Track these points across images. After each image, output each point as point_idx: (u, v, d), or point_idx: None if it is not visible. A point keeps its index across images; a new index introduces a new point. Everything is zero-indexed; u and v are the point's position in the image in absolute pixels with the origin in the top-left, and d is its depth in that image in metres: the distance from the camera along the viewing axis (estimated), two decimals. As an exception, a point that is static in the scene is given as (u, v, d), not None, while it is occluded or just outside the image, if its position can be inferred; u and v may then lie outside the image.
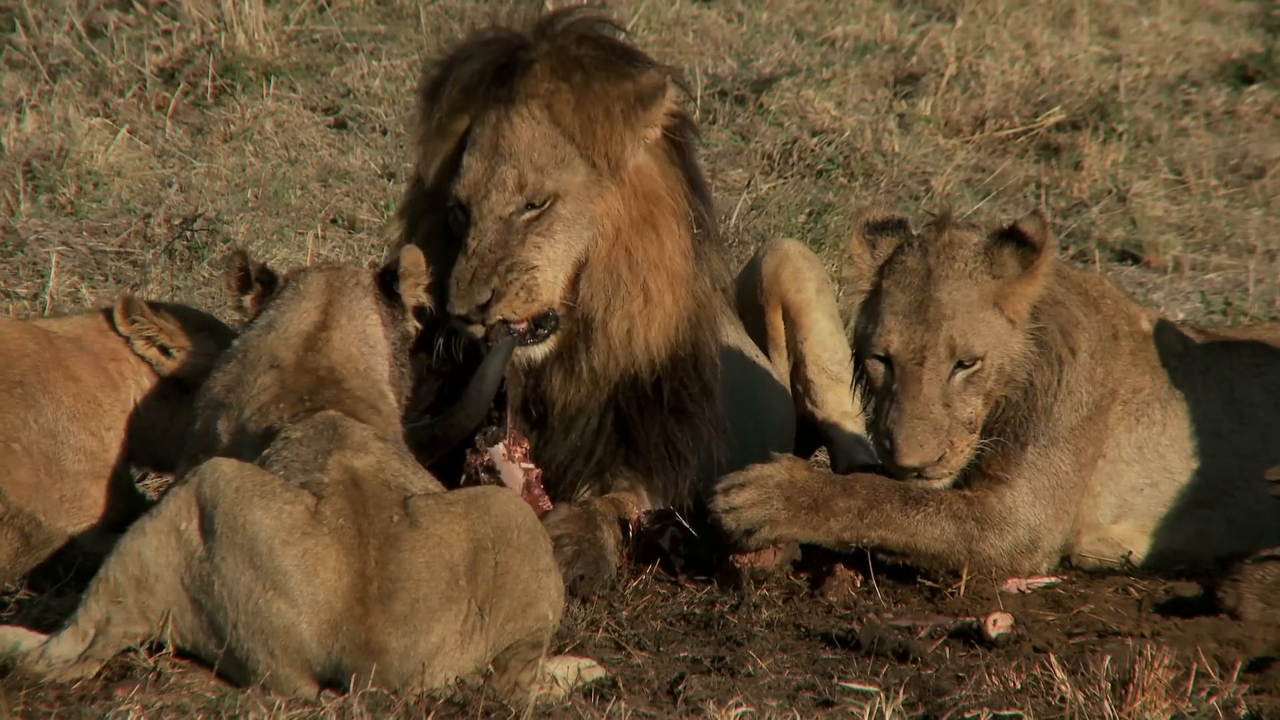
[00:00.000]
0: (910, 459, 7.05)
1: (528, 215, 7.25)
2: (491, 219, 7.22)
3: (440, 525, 6.00)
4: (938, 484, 7.15)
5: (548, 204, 7.26)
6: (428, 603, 5.93)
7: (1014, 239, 7.16)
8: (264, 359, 6.54)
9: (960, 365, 7.11)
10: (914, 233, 7.30)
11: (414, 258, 6.86)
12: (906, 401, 7.06)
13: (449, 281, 7.16)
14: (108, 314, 7.08)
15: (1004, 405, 7.20)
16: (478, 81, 7.32)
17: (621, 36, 7.54)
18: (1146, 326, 7.48)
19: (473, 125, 7.33)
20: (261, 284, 6.79)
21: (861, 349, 7.25)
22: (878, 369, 7.16)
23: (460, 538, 5.99)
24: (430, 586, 5.94)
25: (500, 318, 7.20)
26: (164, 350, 7.07)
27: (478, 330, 7.21)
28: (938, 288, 7.11)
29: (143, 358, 7.06)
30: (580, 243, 7.29)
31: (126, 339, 7.06)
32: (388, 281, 6.83)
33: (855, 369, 7.36)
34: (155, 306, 7.09)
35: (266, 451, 6.20)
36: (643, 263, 7.35)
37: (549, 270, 7.26)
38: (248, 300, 6.79)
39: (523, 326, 7.26)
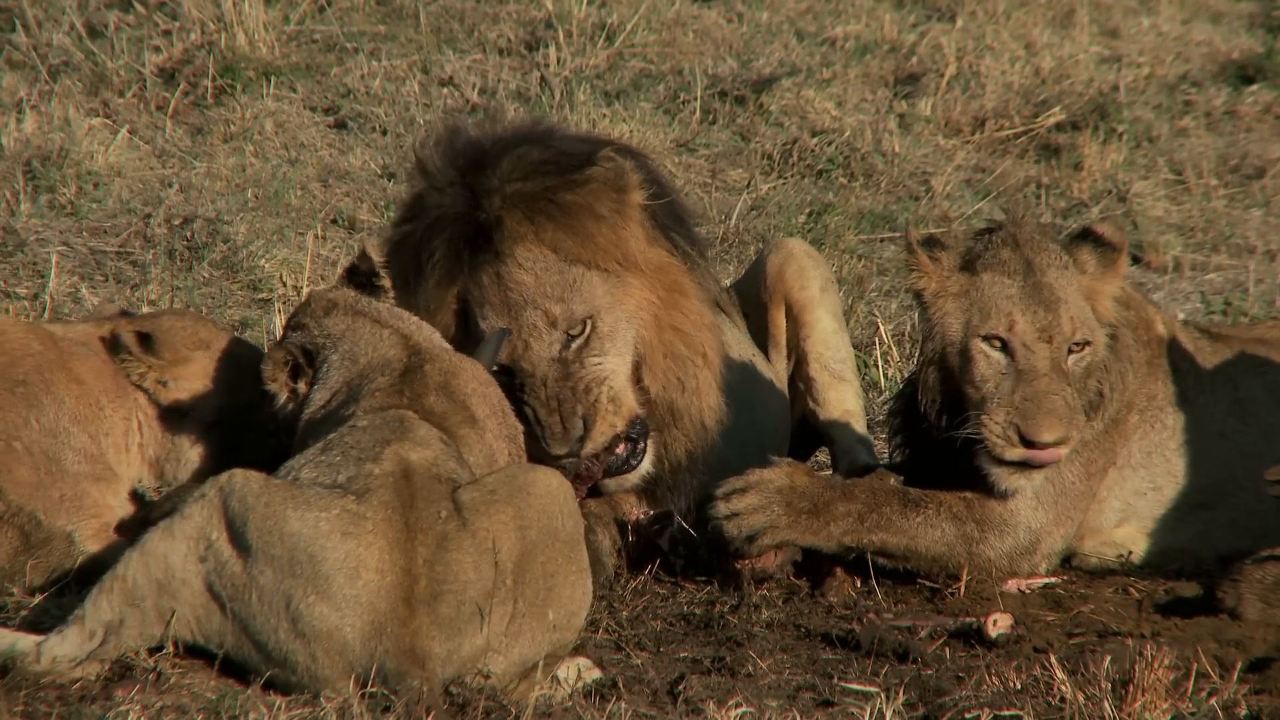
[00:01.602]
0: (1052, 432, 6.96)
1: (575, 345, 7.25)
2: (544, 364, 7.22)
3: (486, 518, 5.98)
4: (1038, 478, 7.09)
5: (585, 328, 7.27)
6: (473, 604, 5.92)
7: (1090, 241, 7.17)
8: (374, 370, 6.51)
9: (1072, 350, 7.10)
10: (991, 230, 7.27)
11: (372, 250, 6.94)
12: (1038, 379, 7.00)
13: (541, 435, 7.13)
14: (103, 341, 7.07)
15: None
16: (455, 255, 7.28)
17: (550, 143, 7.42)
18: (1161, 331, 7.47)
19: (468, 290, 7.30)
20: (311, 365, 6.71)
21: (961, 340, 7.09)
22: (991, 356, 7.09)
23: (507, 527, 5.98)
24: (477, 588, 5.93)
25: (600, 444, 7.21)
26: (160, 381, 7.07)
27: (574, 460, 7.22)
28: (1044, 274, 7.11)
29: (139, 387, 7.06)
30: (629, 345, 7.33)
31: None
32: (361, 279, 6.86)
33: (922, 370, 7.24)
34: (145, 337, 7.02)
35: (331, 436, 6.19)
36: (691, 330, 7.41)
37: (618, 377, 7.29)
38: (302, 385, 6.72)
39: (622, 449, 7.30)
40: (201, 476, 7.01)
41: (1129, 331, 7.35)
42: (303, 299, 6.97)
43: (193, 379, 7.09)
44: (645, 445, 7.36)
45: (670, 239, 7.50)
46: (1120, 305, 7.34)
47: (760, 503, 7.12)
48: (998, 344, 7.08)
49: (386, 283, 7.01)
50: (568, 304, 7.27)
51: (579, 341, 7.27)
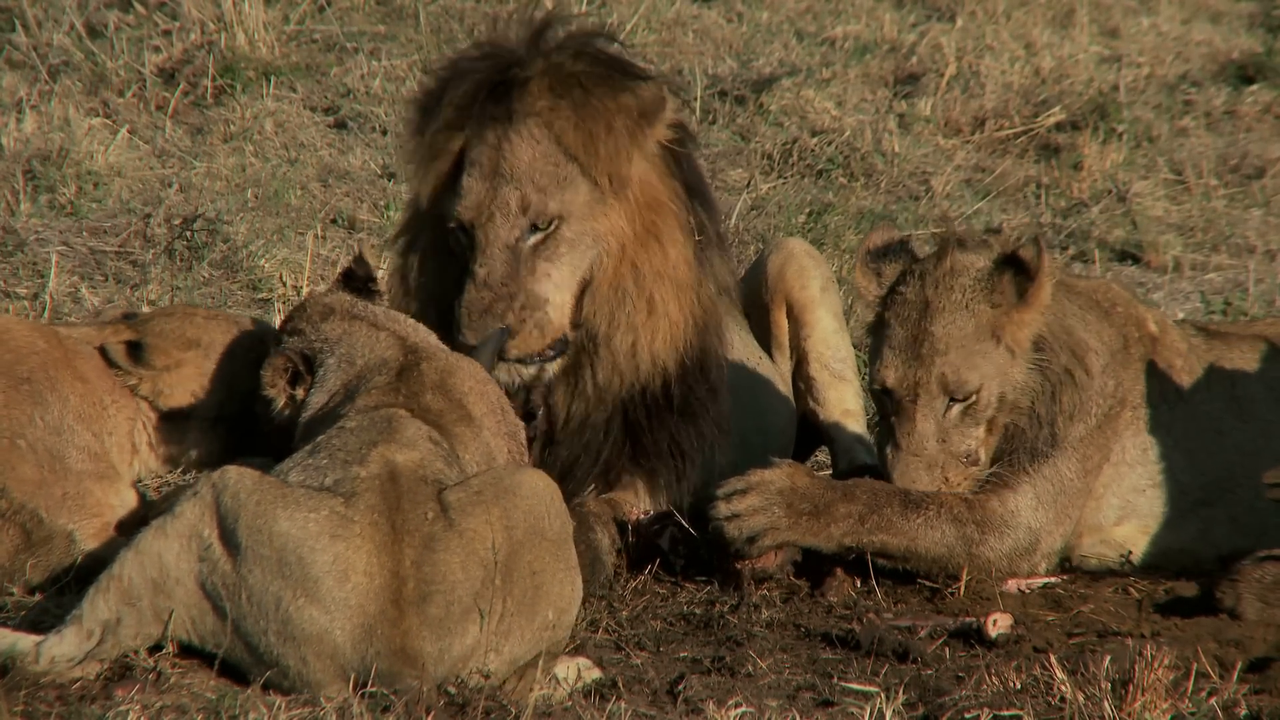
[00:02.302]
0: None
1: (533, 239, 7.21)
2: (498, 245, 7.18)
3: (473, 519, 5.98)
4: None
5: (552, 226, 7.22)
6: (462, 604, 5.93)
7: (1014, 265, 7.14)
8: (371, 371, 6.51)
9: (954, 400, 7.11)
10: (917, 256, 7.27)
11: (368, 254, 6.97)
12: (902, 437, 7.10)
13: (458, 310, 7.13)
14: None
15: (1013, 430, 7.19)
16: (472, 100, 7.24)
17: (616, 47, 7.47)
18: (1154, 329, 7.47)
19: (469, 144, 7.26)
20: (310, 372, 6.70)
21: (869, 379, 7.29)
22: (882, 400, 7.18)
23: (493, 528, 5.98)
24: (465, 588, 5.93)
25: (515, 354, 7.18)
26: (155, 390, 7.07)
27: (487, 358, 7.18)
28: (933, 321, 7.11)
29: (137, 395, 7.07)
30: (585, 262, 7.27)
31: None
32: (358, 284, 6.88)
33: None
34: (134, 347, 7.03)
35: (320, 438, 6.19)
36: (648, 275, 7.33)
37: (557, 297, 7.23)
38: (300, 391, 6.71)
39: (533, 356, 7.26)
40: (214, 467, 7.05)
41: (1094, 338, 7.32)
42: (299, 303, 6.96)
43: (188, 381, 7.08)
44: (555, 355, 7.29)
45: (687, 198, 7.45)
46: (1097, 312, 7.34)
47: (761, 504, 7.12)
48: (881, 393, 7.17)
49: (383, 286, 7.01)
50: (546, 196, 7.22)
51: (538, 237, 7.21)
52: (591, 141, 7.21)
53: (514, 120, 7.22)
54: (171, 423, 7.08)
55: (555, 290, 7.22)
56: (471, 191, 7.22)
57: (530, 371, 7.25)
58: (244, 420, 7.06)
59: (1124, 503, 7.40)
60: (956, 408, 7.12)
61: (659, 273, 7.34)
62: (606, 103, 7.23)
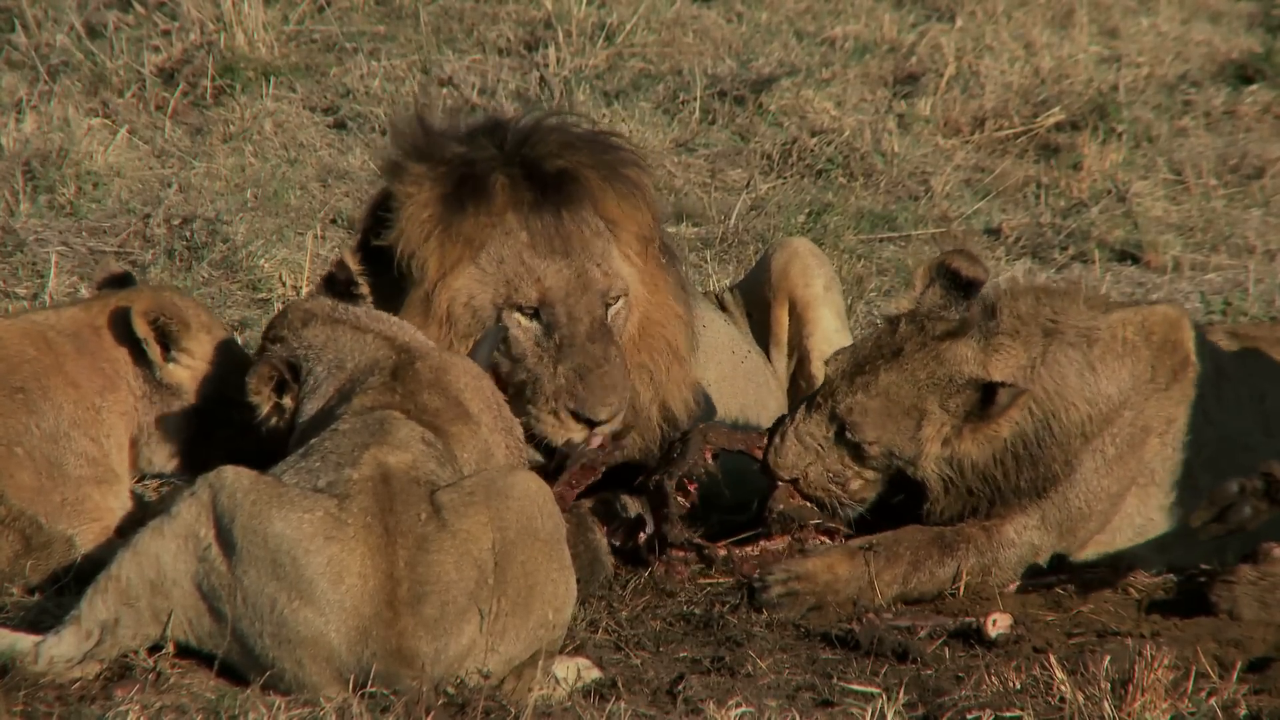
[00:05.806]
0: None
1: (610, 314, 7.25)
2: (597, 324, 7.20)
3: (465, 520, 5.98)
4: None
5: (619, 299, 7.28)
6: (457, 604, 5.92)
7: (989, 392, 7.14)
8: (363, 373, 6.49)
9: (843, 434, 7.23)
10: (957, 307, 7.30)
11: (349, 258, 6.94)
12: (794, 419, 7.34)
13: (591, 385, 7.09)
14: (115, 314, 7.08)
15: (1000, 479, 7.24)
16: (524, 190, 7.23)
17: (586, 122, 7.56)
18: (1190, 355, 7.40)
19: (510, 230, 7.21)
20: (296, 380, 6.68)
21: None
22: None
23: (485, 528, 5.98)
24: (459, 588, 5.93)
25: (613, 429, 7.21)
26: (169, 358, 7.08)
27: (583, 434, 7.19)
28: (889, 366, 7.22)
29: (137, 362, 7.07)
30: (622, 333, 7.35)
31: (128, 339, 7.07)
32: (339, 288, 6.87)
33: None
34: (160, 328, 7.06)
35: (313, 440, 6.18)
36: (665, 322, 7.39)
37: None
38: (288, 399, 6.70)
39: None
40: (178, 459, 7.06)
41: (1092, 387, 7.28)
42: (280, 310, 6.95)
43: (196, 361, 7.10)
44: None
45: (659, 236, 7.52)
46: (1120, 349, 7.31)
47: (808, 589, 7.15)
48: None
49: (364, 289, 6.98)
50: (612, 274, 7.27)
51: (611, 311, 7.25)
52: (632, 216, 7.28)
53: (573, 204, 7.24)
54: (158, 402, 7.08)
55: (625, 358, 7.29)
56: (551, 273, 7.21)
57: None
58: (215, 423, 7.07)
59: (1145, 521, 7.39)
60: (843, 440, 7.18)
61: (669, 316, 7.42)
62: (636, 176, 7.32)
